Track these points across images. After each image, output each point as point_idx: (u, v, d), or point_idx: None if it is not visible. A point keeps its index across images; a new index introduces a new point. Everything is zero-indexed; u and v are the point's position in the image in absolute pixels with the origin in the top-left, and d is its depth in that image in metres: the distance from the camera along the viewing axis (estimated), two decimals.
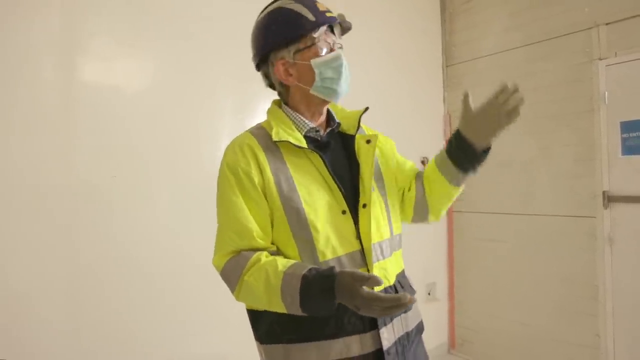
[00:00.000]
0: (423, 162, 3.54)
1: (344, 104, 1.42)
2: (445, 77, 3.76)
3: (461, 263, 3.69)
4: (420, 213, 1.44)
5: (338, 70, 1.24)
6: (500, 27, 3.40)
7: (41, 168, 2.05)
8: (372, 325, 1.19)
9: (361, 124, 1.38)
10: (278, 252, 1.21)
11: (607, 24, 2.83)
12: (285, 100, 1.32)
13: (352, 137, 1.31)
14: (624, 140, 2.78)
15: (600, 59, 2.86)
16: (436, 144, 3.69)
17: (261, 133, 1.27)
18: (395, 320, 1.23)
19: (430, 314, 3.56)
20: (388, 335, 1.20)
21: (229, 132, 2.53)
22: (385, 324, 1.20)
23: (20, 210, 2.00)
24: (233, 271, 1.17)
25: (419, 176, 1.45)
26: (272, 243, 1.22)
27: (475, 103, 1.24)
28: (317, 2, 1.26)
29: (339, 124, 1.34)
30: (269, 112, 1.33)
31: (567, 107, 3.04)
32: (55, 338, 2.06)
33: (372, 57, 3.22)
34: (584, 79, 2.94)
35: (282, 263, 1.12)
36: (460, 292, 3.69)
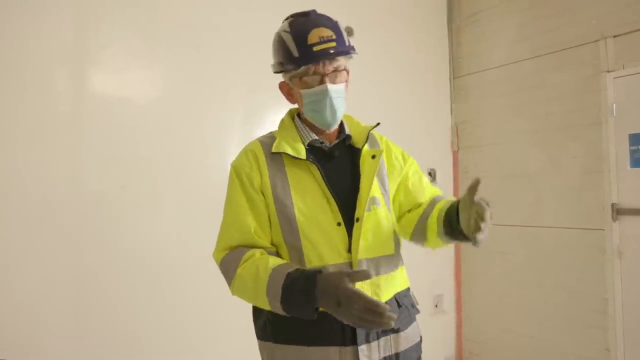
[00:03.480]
0: (430, 174, 3.54)
1: (355, 116, 1.43)
2: (452, 89, 3.77)
3: (469, 275, 3.67)
4: (419, 236, 1.40)
5: (322, 104, 1.26)
6: (507, 39, 3.41)
7: (50, 177, 2.07)
8: (354, 340, 1.19)
9: (379, 136, 1.42)
10: (276, 253, 1.26)
11: (614, 36, 2.83)
12: (299, 112, 1.38)
13: (360, 151, 1.32)
14: (632, 152, 2.76)
15: (608, 71, 2.86)
16: (443, 156, 3.69)
17: (268, 142, 1.33)
18: (382, 340, 1.23)
19: (437, 326, 3.53)
20: (369, 353, 1.20)
21: (238, 142, 2.55)
22: (368, 341, 1.20)
23: (29, 218, 2.02)
24: (230, 264, 1.24)
25: (422, 218, 1.39)
26: (272, 244, 1.28)
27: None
28: (313, 30, 1.23)
29: (348, 136, 1.36)
30: (280, 121, 1.40)
31: (575, 119, 3.03)
32: (61, 344, 2.06)
33: (379, 69, 3.23)
34: (592, 91, 2.93)
35: (274, 261, 1.18)
36: (468, 304, 3.66)
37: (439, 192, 1.48)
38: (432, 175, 3.55)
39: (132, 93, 2.32)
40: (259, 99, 2.68)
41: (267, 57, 2.79)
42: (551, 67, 3.14)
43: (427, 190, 1.45)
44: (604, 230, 2.86)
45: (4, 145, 1.99)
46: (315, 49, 1.22)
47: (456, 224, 1.21)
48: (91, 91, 2.21)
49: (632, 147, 2.76)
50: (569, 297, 3.01)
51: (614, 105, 2.83)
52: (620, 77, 2.81)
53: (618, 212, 2.80)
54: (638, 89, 2.74)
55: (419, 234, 1.39)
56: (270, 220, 1.26)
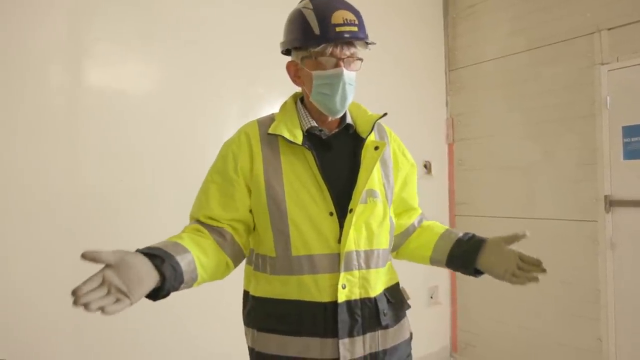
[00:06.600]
0: (425, 166, 3.55)
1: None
2: (447, 82, 3.78)
3: None
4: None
5: (334, 88, 1.22)
6: (502, 31, 3.42)
7: (47, 172, 2.07)
8: (336, 333, 1.18)
9: (389, 131, 1.41)
10: (222, 236, 1.22)
11: (609, 29, 2.85)
12: (302, 96, 1.34)
13: (364, 141, 1.29)
14: (625, 144, 2.79)
15: (602, 64, 2.87)
16: (438, 148, 3.70)
17: (267, 123, 1.30)
18: (368, 335, 1.22)
19: (432, 317, 3.56)
20: (352, 348, 1.19)
21: None
22: (351, 335, 1.19)
23: (26, 213, 2.02)
24: None
25: (407, 231, 1.46)
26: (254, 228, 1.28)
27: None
28: (336, 11, 1.22)
29: (350, 125, 1.32)
30: (283, 104, 1.36)
31: (569, 111, 3.05)
32: (58, 340, 2.07)
33: (374, 61, 3.22)
34: (586, 84, 2.95)
35: (174, 237, 1.19)
36: (463, 295, 3.69)
37: (418, 208, 1.51)
38: (427, 167, 3.56)
39: (128, 87, 2.31)
40: (255, 91, 2.68)
41: (264, 49, 2.78)
42: (546, 59, 3.15)
43: (414, 197, 1.48)
44: (597, 221, 2.89)
45: (0, 140, 1.98)
46: (338, 29, 1.19)
47: (468, 262, 1.41)
48: (86, 85, 2.20)
49: (626, 140, 2.79)
50: (562, 288, 3.05)
51: (608, 97, 2.85)
52: (614, 69, 2.83)
53: (611, 203, 2.83)
54: (632, 81, 2.76)
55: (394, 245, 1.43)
56: (259, 204, 1.23)
